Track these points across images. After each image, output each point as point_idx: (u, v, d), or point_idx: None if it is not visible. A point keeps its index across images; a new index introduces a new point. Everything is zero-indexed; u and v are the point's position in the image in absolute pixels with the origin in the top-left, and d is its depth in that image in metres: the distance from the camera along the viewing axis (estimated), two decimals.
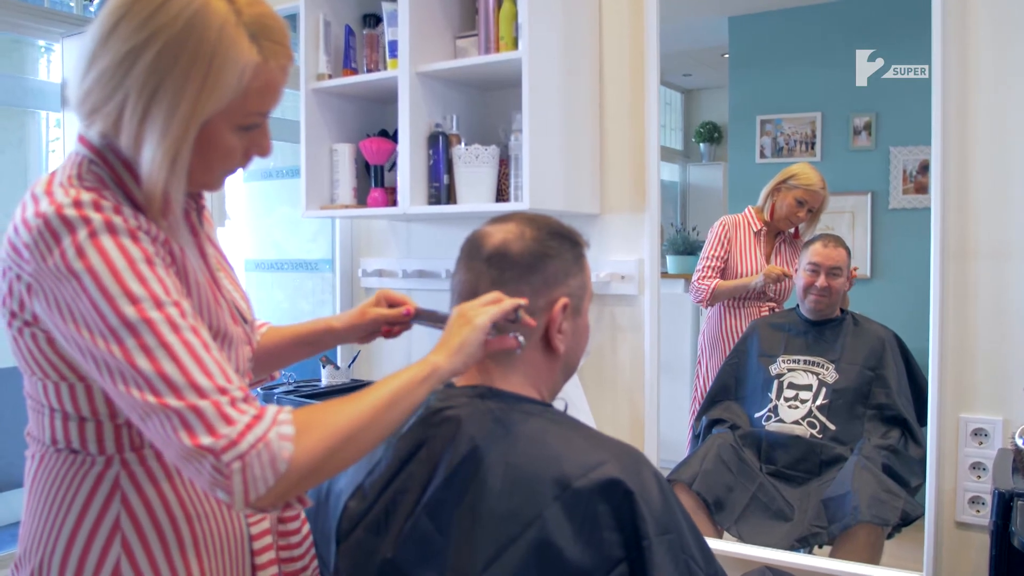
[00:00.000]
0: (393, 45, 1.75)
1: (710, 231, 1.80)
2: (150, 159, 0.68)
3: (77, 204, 0.66)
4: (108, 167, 0.72)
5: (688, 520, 0.79)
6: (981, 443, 1.37)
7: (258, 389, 1.85)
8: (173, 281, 0.69)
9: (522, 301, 0.81)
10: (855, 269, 1.67)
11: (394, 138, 1.83)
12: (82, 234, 0.65)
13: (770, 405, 1.69)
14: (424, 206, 1.71)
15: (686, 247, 1.91)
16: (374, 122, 1.98)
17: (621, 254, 1.73)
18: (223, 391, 0.65)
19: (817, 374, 1.67)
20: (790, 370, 1.69)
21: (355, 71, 1.86)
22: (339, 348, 2.12)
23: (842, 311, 1.70)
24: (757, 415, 1.70)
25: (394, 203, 1.80)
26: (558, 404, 0.91)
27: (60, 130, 2.43)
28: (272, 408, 0.68)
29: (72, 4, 2.40)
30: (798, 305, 1.74)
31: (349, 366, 2.06)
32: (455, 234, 1.63)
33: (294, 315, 2.48)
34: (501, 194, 1.71)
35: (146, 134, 0.67)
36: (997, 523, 1.08)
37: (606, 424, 1.74)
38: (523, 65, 1.54)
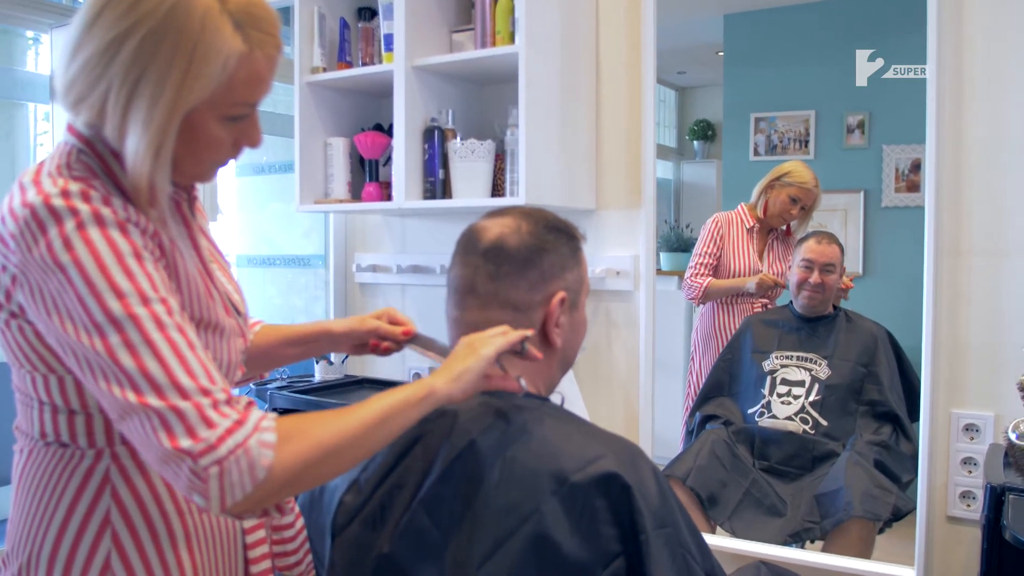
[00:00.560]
0: (389, 38, 1.73)
1: (703, 228, 1.80)
2: (134, 149, 0.66)
3: (65, 194, 0.65)
4: (97, 157, 0.70)
5: (685, 515, 0.79)
6: (972, 438, 1.38)
7: (251, 385, 1.83)
8: (161, 276, 0.68)
9: (528, 332, 0.80)
10: (850, 278, 1.68)
11: (389, 132, 1.82)
12: (69, 225, 0.64)
13: (763, 401, 1.69)
14: (419, 201, 1.70)
15: (680, 244, 1.91)
16: (369, 116, 1.97)
17: (617, 250, 1.72)
18: (206, 392, 0.64)
19: (810, 370, 1.68)
20: (783, 366, 1.70)
21: (350, 64, 1.85)
22: None
23: (835, 308, 1.71)
24: (750, 411, 1.71)
25: (389, 198, 1.79)
26: (554, 398, 0.90)
27: (48, 123, 2.40)
28: (256, 413, 0.66)
29: None
30: (791, 302, 1.74)
31: (343, 362, 2.05)
32: (450, 229, 1.63)
33: (287, 311, 2.46)
34: (497, 189, 1.71)
35: (130, 123, 0.66)
36: (989, 517, 1.09)
37: (601, 420, 1.74)
38: (519, 60, 1.53)
